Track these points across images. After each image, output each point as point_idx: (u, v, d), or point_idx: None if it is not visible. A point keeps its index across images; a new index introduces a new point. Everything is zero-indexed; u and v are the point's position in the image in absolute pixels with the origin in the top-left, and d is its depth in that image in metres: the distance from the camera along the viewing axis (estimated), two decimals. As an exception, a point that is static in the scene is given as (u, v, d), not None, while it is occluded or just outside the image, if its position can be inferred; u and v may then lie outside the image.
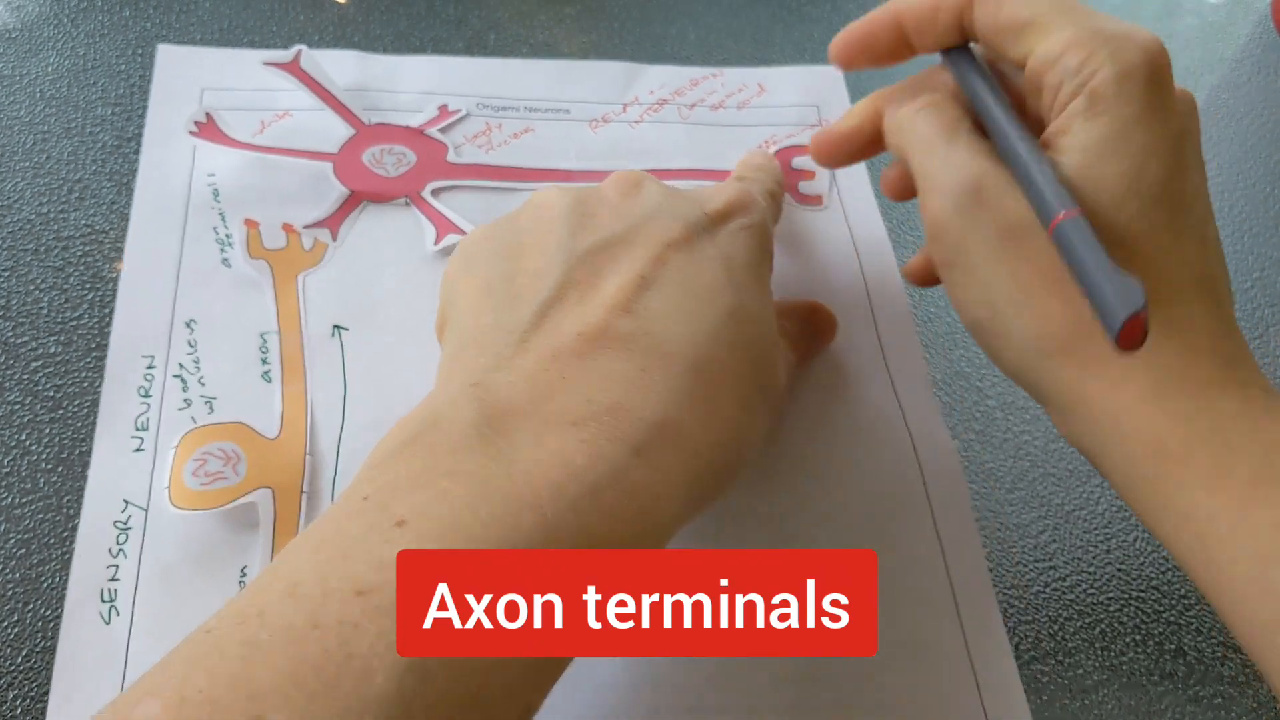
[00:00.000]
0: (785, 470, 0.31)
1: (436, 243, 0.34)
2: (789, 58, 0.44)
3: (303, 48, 0.38)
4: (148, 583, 0.26)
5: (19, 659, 0.26)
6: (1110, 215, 0.25)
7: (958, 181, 0.26)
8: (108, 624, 0.25)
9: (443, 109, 0.38)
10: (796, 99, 0.42)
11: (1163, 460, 0.23)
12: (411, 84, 0.39)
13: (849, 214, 0.38)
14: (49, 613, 0.26)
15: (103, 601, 0.26)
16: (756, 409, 0.25)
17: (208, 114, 0.35)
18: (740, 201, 0.28)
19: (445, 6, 0.43)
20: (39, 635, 0.26)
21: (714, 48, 0.44)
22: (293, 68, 0.37)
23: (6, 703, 0.25)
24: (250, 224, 0.33)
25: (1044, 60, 0.26)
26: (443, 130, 0.37)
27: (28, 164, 0.35)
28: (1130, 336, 0.22)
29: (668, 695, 0.27)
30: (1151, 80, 0.25)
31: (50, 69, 0.37)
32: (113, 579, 0.26)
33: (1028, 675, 0.29)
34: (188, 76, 0.37)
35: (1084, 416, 0.25)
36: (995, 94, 0.28)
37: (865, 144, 0.31)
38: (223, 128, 0.35)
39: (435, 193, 0.35)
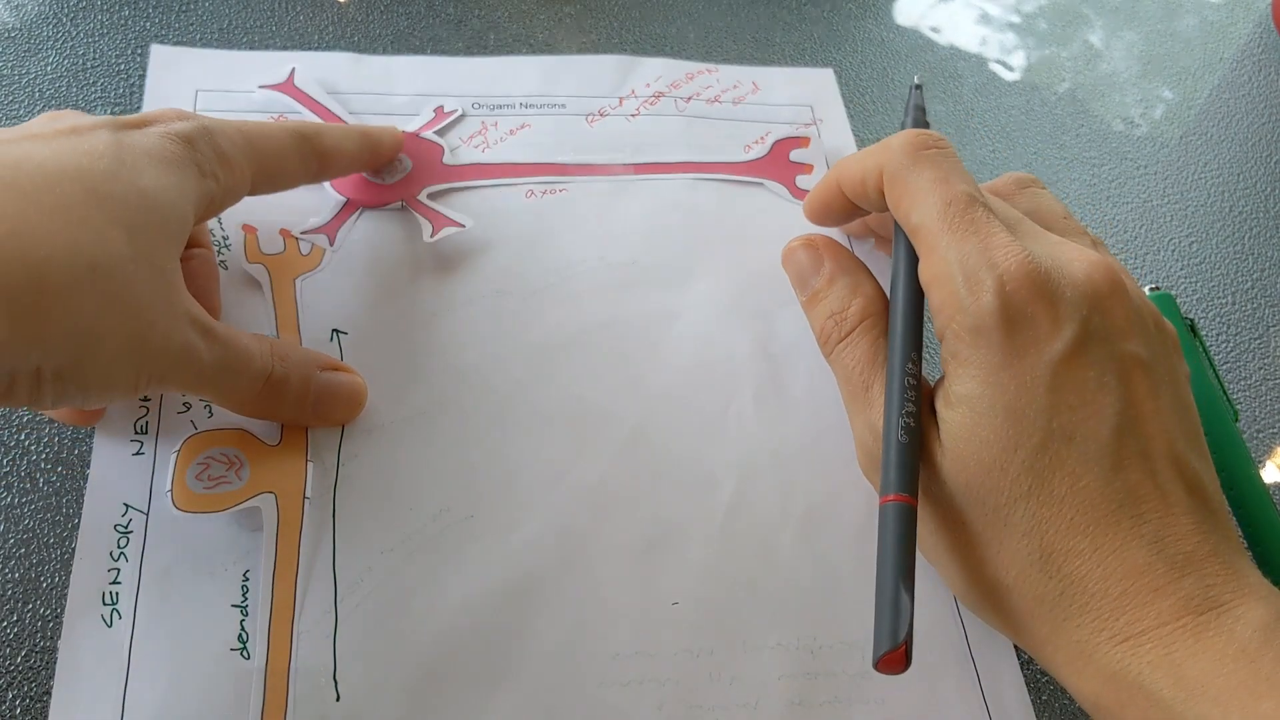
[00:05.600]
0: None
1: (433, 235, 0.34)
2: (788, 58, 0.44)
3: (295, 66, 0.38)
4: (149, 586, 0.26)
5: (18, 659, 0.26)
6: (994, 479, 0.24)
7: (862, 444, 0.29)
8: (110, 627, 0.26)
9: (439, 111, 0.38)
10: (791, 98, 0.42)
11: (1100, 713, 0.24)
12: (406, 86, 0.39)
13: None
14: (48, 612, 0.26)
15: (104, 604, 0.26)
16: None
17: None
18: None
19: (445, 6, 0.43)
20: (38, 635, 0.26)
21: (713, 47, 0.44)
22: (287, 87, 0.37)
23: (6, 702, 0.25)
24: (248, 229, 0.33)
25: (923, 278, 0.27)
26: (439, 132, 0.37)
27: (27, 164, 0.35)
28: (889, 664, 0.22)
29: (671, 693, 0.27)
30: (1010, 323, 0.24)
31: (49, 68, 0.37)
32: (114, 582, 0.26)
33: (1029, 674, 0.29)
34: (182, 78, 0.37)
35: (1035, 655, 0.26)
36: (907, 305, 0.28)
37: (845, 209, 0.32)
38: None
39: (432, 196, 0.35)
